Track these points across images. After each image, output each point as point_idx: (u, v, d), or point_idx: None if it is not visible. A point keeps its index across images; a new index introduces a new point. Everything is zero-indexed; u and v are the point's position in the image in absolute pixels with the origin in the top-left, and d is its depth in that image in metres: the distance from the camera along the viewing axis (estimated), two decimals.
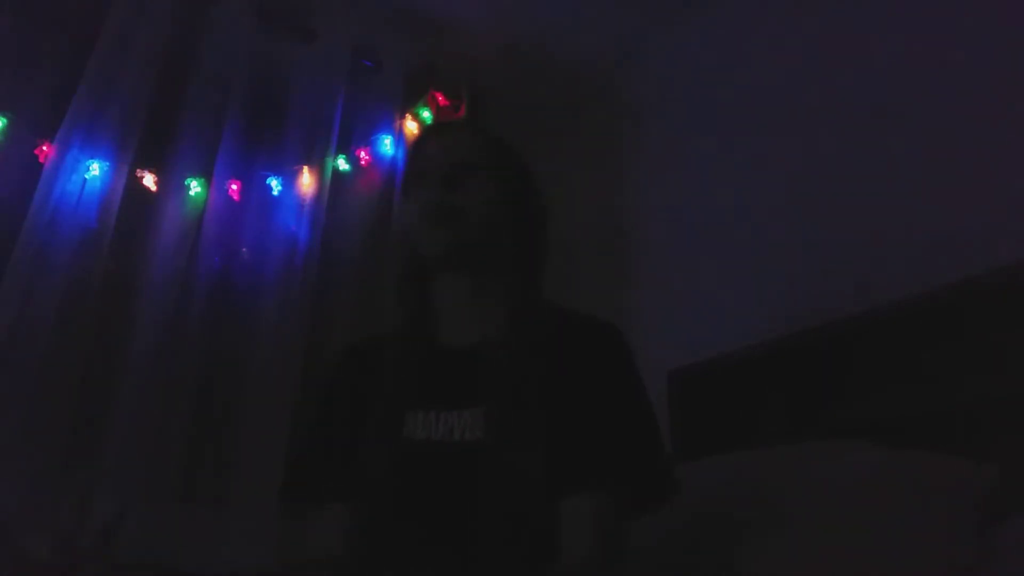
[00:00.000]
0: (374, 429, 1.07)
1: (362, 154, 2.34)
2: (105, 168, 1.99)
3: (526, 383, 1.01)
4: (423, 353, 1.11)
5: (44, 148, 1.97)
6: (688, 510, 1.22)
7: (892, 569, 1.05)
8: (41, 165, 1.93)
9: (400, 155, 2.35)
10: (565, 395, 1.02)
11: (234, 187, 2.18)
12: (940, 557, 1.05)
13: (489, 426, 1.00)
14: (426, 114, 2.45)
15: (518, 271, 1.12)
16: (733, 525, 1.22)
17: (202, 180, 2.13)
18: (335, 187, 2.25)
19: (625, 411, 1.04)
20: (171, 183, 2.10)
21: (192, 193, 2.12)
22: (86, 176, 1.97)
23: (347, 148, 2.33)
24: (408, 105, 2.43)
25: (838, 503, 1.17)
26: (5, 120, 1.94)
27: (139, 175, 2.08)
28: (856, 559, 1.08)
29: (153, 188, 2.10)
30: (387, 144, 2.35)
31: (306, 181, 2.23)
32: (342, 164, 2.31)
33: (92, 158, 1.98)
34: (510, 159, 1.17)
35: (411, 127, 2.42)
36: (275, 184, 2.22)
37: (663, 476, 1.03)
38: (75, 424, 1.80)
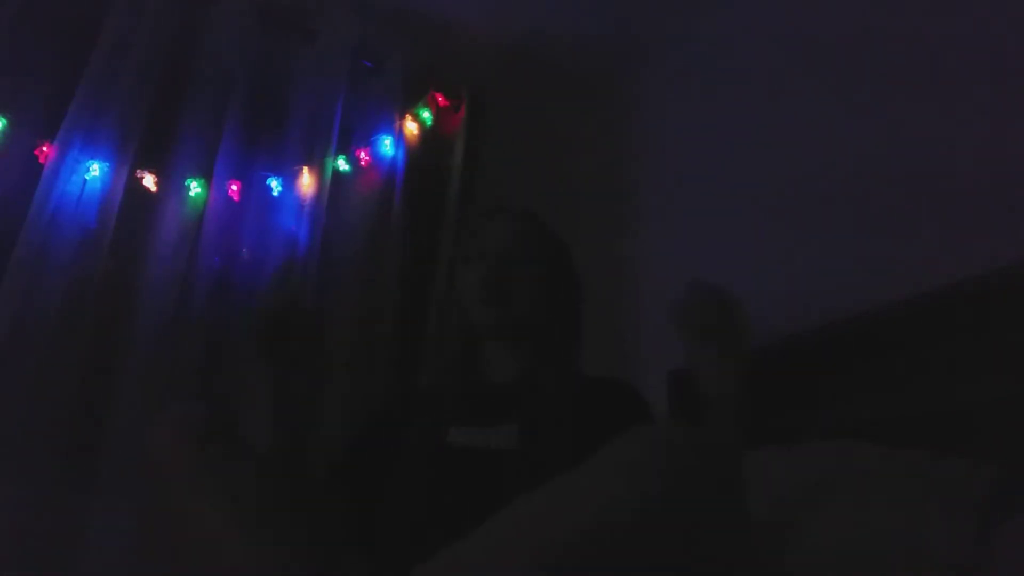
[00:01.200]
0: (417, 440, 1.22)
1: (362, 154, 2.34)
2: (105, 168, 1.99)
3: (556, 405, 1.19)
4: (467, 386, 1.30)
5: (44, 148, 1.97)
6: None
7: (892, 569, 1.05)
8: (41, 165, 1.93)
9: (400, 155, 2.35)
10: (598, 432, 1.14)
11: (234, 187, 2.18)
12: (940, 557, 1.05)
13: (522, 438, 1.16)
14: (426, 114, 2.45)
15: (557, 341, 1.31)
16: None
17: (202, 180, 2.13)
18: (335, 187, 2.25)
19: None
20: (171, 183, 2.10)
21: (192, 193, 2.12)
22: (86, 177, 1.97)
23: (347, 148, 2.33)
24: (408, 105, 2.43)
25: (838, 503, 1.17)
26: (5, 120, 1.94)
27: (139, 175, 2.08)
28: (856, 559, 1.08)
29: (153, 188, 2.10)
30: (387, 144, 2.35)
31: (306, 181, 2.23)
32: (342, 164, 2.30)
33: (92, 158, 1.98)
34: (552, 244, 1.38)
35: (411, 127, 2.42)
36: (275, 184, 2.22)
37: None
38: (75, 424, 1.79)
